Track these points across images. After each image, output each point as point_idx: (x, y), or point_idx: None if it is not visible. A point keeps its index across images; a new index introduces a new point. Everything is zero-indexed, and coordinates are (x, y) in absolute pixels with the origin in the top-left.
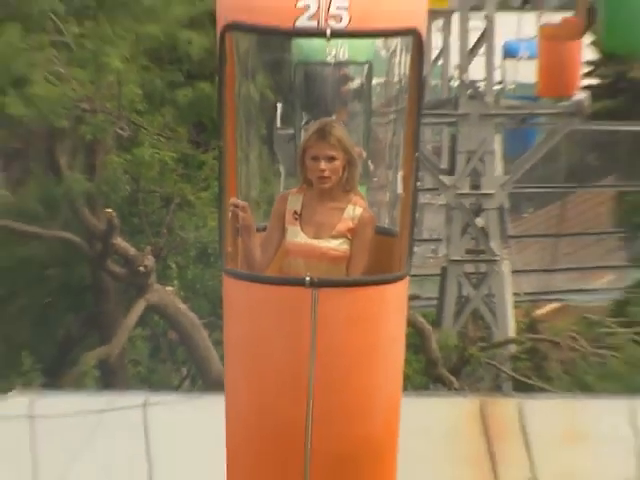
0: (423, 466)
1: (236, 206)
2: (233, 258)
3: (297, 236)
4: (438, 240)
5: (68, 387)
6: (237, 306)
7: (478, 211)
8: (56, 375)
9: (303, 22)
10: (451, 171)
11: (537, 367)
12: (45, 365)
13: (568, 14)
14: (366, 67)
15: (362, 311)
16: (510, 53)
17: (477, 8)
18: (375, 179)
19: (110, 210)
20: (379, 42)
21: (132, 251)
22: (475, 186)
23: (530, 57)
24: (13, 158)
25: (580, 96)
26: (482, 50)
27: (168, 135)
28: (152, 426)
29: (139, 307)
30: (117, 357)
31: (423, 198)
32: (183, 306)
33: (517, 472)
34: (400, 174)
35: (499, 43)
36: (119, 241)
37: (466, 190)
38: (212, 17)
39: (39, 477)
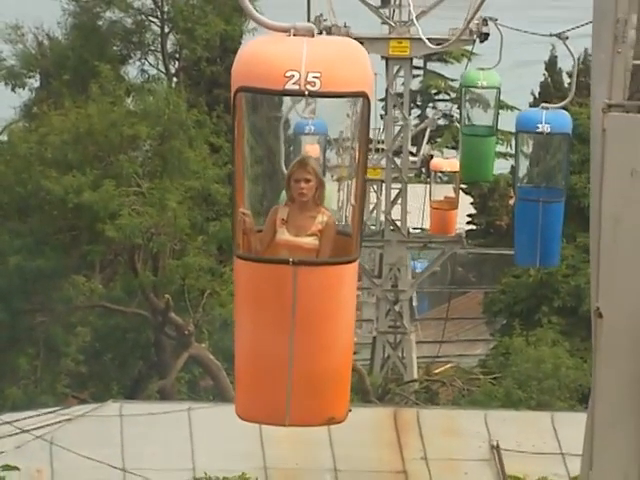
0: (358, 448)
1: (243, 214)
2: (240, 247)
3: (284, 235)
4: (371, 320)
5: None
6: (243, 279)
7: (396, 301)
8: (132, 398)
9: (290, 86)
10: (379, 276)
11: (430, 398)
12: (125, 392)
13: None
14: None
15: (327, 282)
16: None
17: (396, 179)
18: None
19: (168, 296)
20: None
21: (180, 321)
22: (394, 285)
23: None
24: (107, 264)
25: (460, 232)
26: (399, 201)
27: (204, 250)
28: (193, 422)
29: (184, 357)
30: (169, 388)
31: (362, 297)
32: (211, 356)
33: (414, 453)
34: (353, 194)
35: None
36: (173, 315)
37: (389, 288)
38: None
39: (125, 453)
